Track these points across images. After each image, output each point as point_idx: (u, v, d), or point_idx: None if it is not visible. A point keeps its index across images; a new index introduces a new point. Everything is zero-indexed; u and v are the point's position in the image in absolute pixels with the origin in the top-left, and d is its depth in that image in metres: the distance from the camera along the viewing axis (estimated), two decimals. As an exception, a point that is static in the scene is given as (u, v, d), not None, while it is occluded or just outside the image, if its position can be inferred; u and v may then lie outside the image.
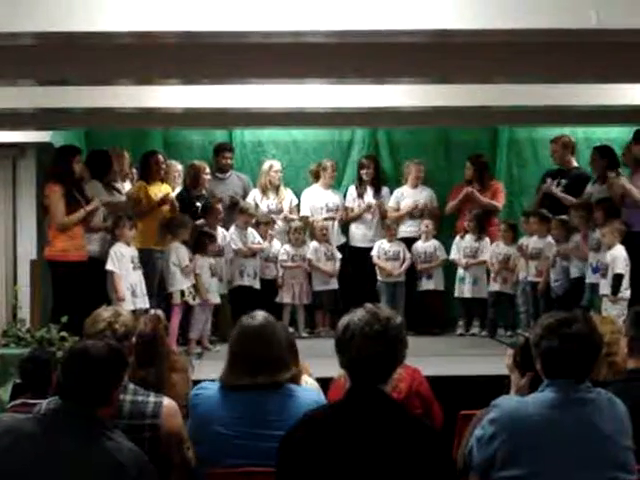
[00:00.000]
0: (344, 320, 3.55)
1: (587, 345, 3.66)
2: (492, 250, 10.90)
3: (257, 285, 10.67)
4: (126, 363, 3.80)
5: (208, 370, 5.74)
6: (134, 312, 7.99)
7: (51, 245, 8.95)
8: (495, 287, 10.85)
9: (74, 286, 8.63)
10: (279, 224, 11.15)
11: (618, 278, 8.86)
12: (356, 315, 3.52)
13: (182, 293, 9.57)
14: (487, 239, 11.02)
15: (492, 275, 10.89)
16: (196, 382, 5.04)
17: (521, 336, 4.27)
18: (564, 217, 10.04)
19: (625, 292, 8.86)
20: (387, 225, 11.16)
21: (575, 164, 10.78)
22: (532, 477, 3.50)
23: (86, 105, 8.69)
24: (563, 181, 10.44)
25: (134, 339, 4.49)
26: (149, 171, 9.93)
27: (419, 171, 11.42)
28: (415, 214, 11.31)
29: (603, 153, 10.01)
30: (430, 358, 7.66)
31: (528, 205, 11.29)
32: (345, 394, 3.54)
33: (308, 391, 4.33)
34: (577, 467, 3.51)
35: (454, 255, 11.14)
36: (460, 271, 11.08)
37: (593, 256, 9.38)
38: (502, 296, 10.85)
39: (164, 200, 9.70)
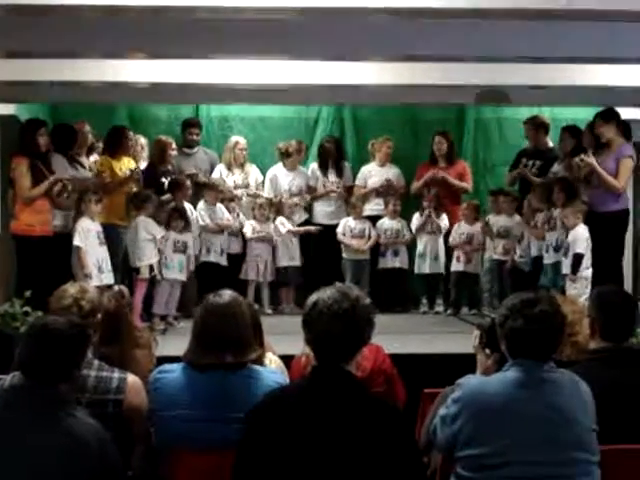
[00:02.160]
0: (313, 297, 3.55)
1: (551, 325, 3.69)
2: (455, 230, 10.92)
3: (224, 262, 10.65)
4: (88, 339, 3.77)
5: (172, 346, 5.70)
6: (99, 288, 7.97)
7: (17, 219, 8.88)
8: (459, 267, 10.88)
9: (38, 261, 8.57)
10: (244, 200, 11.12)
11: (578, 258, 8.92)
12: (326, 293, 3.52)
13: (151, 268, 9.52)
14: (444, 216, 11.03)
15: (455, 254, 10.91)
16: (160, 358, 5.05)
17: (487, 317, 4.29)
18: (530, 196, 10.08)
19: (586, 271, 8.92)
20: (353, 203, 11.15)
21: (550, 144, 10.81)
22: (495, 456, 3.53)
23: (51, 78, 8.62)
24: (537, 162, 10.47)
25: (99, 316, 4.47)
26: (115, 146, 9.85)
27: (389, 148, 11.41)
28: (382, 192, 11.29)
29: (573, 133, 10.04)
30: (394, 336, 7.67)
31: (497, 184, 11.30)
32: (309, 373, 3.55)
33: (273, 373, 4.31)
34: (540, 447, 3.54)
35: (414, 229, 11.13)
36: (420, 247, 11.08)
37: (552, 235, 9.42)
38: (466, 275, 10.89)
39: (132, 175, 9.63)
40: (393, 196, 11.24)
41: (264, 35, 7.16)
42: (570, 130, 10.15)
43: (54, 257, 8.70)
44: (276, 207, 11.08)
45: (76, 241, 8.90)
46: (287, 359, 5.26)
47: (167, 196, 10.16)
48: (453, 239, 10.93)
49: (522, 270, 10.12)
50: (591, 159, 8.97)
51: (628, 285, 10.03)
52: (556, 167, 10.01)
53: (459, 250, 10.89)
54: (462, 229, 10.91)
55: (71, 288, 4.47)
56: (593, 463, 3.62)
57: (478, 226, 10.83)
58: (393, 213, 11.17)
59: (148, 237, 9.52)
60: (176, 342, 5.25)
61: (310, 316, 3.50)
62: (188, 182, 10.41)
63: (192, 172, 10.76)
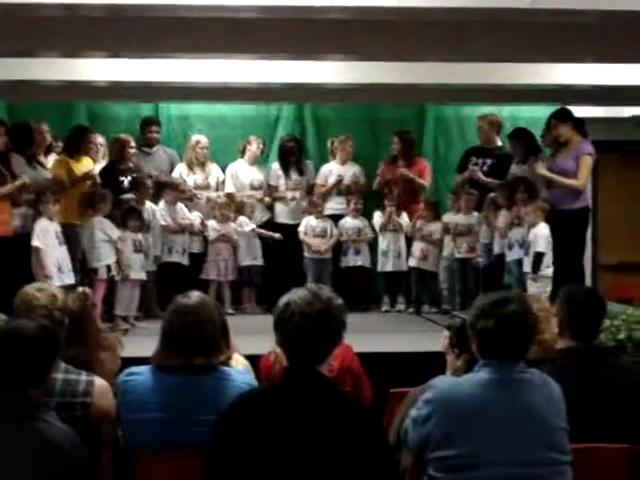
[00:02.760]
0: (284, 298, 3.52)
1: (522, 326, 3.69)
2: (413, 227, 10.92)
3: (185, 261, 10.61)
4: (59, 343, 3.73)
5: (135, 347, 5.68)
6: (62, 288, 7.90)
7: (-24, 220, 8.78)
8: (414, 263, 10.89)
9: (-2, 261, 8.49)
10: (204, 199, 11.07)
11: (539, 256, 8.96)
12: (297, 294, 3.50)
13: (109, 268, 9.45)
14: (404, 214, 11.04)
15: (412, 250, 10.92)
16: (122, 359, 5.00)
17: (456, 317, 4.31)
18: (494, 195, 10.12)
19: (547, 270, 8.96)
20: (314, 201, 11.14)
21: (499, 143, 10.87)
22: (467, 457, 3.52)
23: (9, 77, 8.54)
24: (488, 161, 10.53)
25: (66, 320, 4.42)
26: (76, 146, 9.75)
27: (350, 146, 11.41)
28: (342, 191, 11.29)
29: (519, 137, 10.12)
30: (357, 335, 7.64)
31: (453, 183, 11.35)
32: (281, 375, 3.53)
33: (242, 374, 4.28)
34: (512, 448, 3.53)
35: (377, 228, 11.11)
36: (383, 246, 11.08)
37: (517, 232, 9.46)
38: (422, 272, 10.90)
39: (86, 176, 9.57)
40: (354, 195, 11.24)
41: (225, 33, 7.13)
42: (514, 136, 10.23)
43: (14, 258, 8.61)
44: (236, 206, 11.04)
45: (35, 242, 8.80)
46: (251, 359, 5.21)
47: (128, 195, 10.10)
48: (411, 234, 10.92)
49: (484, 267, 10.15)
50: (541, 171, 9.07)
51: (588, 283, 10.11)
52: (514, 168, 10.07)
53: (417, 244, 10.88)
54: (420, 226, 10.90)
55: (39, 294, 4.42)
56: (565, 463, 3.62)
57: (437, 224, 10.83)
58: (355, 212, 11.16)
59: (104, 238, 9.44)
60: (139, 343, 5.23)
61: (282, 318, 3.47)
62: (149, 181, 10.36)
63: (152, 173, 10.69)
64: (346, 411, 3.39)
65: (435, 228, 10.82)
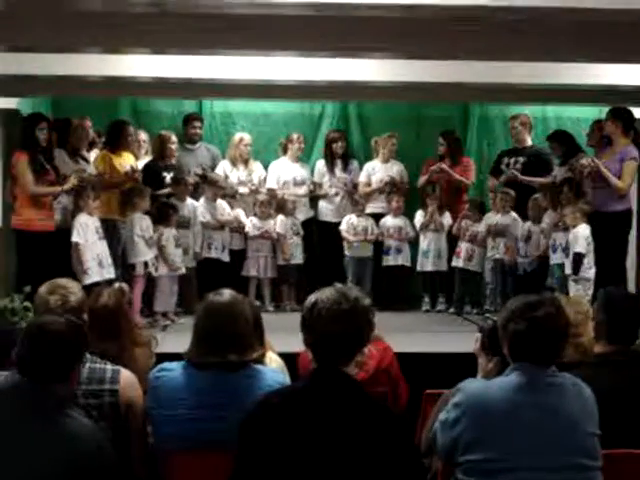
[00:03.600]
0: (312, 298, 3.50)
1: (554, 329, 3.65)
2: (458, 226, 10.85)
3: (225, 258, 10.61)
4: (86, 339, 3.74)
5: (172, 343, 5.68)
6: (98, 284, 7.95)
7: (18, 214, 8.85)
8: (459, 263, 10.81)
9: (39, 256, 8.53)
10: (246, 196, 11.08)
11: (578, 257, 8.88)
12: (324, 293, 3.48)
13: (145, 264, 9.48)
14: (447, 213, 10.99)
15: (457, 249, 10.86)
16: (160, 355, 5.02)
17: (489, 319, 4.26)
18: (538, 196, 10.04)
19: (588, 272, 8.88)
20: (356, 200, 11.10)
21: (529, 142, 10.80)
22: (496, 462, 3.48)
23: (54, 73, 8.58)
24: (520, 159, 10.47)
25: (85, 316, 4.43)
26: (116, 141, 9.77)
27: (393, 145, 11.37)
28: (385, 190, 11.25)
29: (559, 139, 10.04)
30: (396, 334, 7.62)
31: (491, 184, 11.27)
32: (307, 376, 3.50)
33: (274, 372, 4.28)
34: (541, 453, 3.49)
35: (418, 227, 11.07)
36: (423, 245, 11.03)
37: (558, 236, 9.38)
38: (467, 273, 10.83)
39: (131, 174, 9.58)
40: (396, 193, 11.20)
41: (269, 30, 7.10)
42: (554, 138, 10.14)
43: (54, 252, 8.68)
44: (278, 204, 11.04)
45: (74, 237, 8.88)
46: (289, 357, 5.23)
47: (165, 190, 10.12)
48: (456, 230, 10.86)
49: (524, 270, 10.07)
50: (596, 162, 8.96)
51: (631, 286, 9.99)
52: (556, 170, 9.99)
53: (463, 244, 10.81)
54: (466, 226, 10.83)
55: (48, 296, 4.44)
56: (595, 468, 3.58)
57: (482, 224, 10.76)
58: (396, 210, 11.11)
59: (140, 234, 9.48)
60: (177, 339, 5.23)
61: (309, 317, 3.46)
62: (190, 179, 10.37)
63: (199, 172, 10.72)
64: (371, 413, 3.36)
65: (481, 228, 10.74)
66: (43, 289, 4.51)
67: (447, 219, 10.95)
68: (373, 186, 11.26)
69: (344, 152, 11.39)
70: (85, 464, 3.39)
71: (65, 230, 8.96)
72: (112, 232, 9.36)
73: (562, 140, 9.99)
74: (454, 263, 10.86)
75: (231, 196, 10.87)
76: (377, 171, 11.32)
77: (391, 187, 11.24)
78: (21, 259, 8.84)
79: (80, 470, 3.37)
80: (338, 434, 3.27)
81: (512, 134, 10.90)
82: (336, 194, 11.29)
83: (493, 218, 10.57)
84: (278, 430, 3.31)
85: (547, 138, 10.36)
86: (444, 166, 10.98)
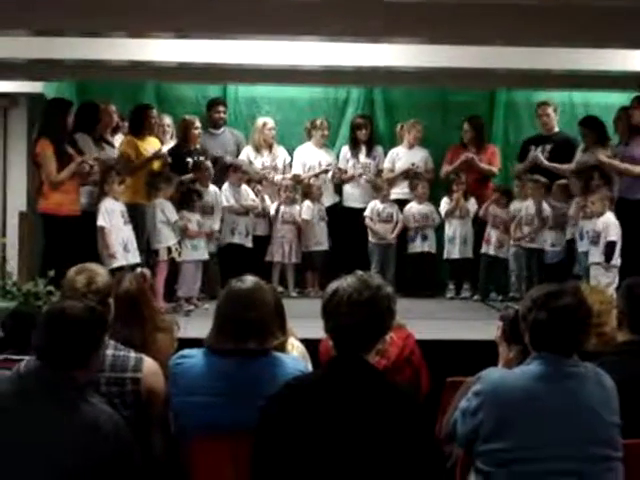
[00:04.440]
0: (333, 285, 3.50)
1: (575, 319, 3.62)
2: (485, 211, 10.78)
3: (249, 244, 10.58)
4: (106, 325, 3.74)
5: (196, 329, 5.66)
6: (122, 268, 7.96)
7: (45, 198, 8.83)
8: (490, 250, 10.75)
9: (65, 240, 8.54)
10: (271, 181, 11.07)
11: (611, 245, 8.81)
12: (346, 281, 3.47)
13: (169, 250, 9.48)
14: (472, 199, 10.94)
15: (485, 236, 10.81)
16: (183, 340, 5.02)
17: (510, 308, 4.25)
18: (564, 181, 9.96)
19: (616, 260, 8.81)
20: (380, 186, 11.07)
21: (556, 129, 10.73)
22: (516, 451, 3.47)
23: (79, 57, 8.60)
24: (547, 147, 10.41)
25: (111, 300, 4.42)
26: (140, 125, 9.73)
27: (418, 131, 11.32)
28: (409, 175, 11.21)
29: (591, 125, 9.93)
30: (420, 321, 7.60)
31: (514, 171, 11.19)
32: (327, 363, 3.49)
33: (295, 360, 4.26)
34: (562, 442, 3.47)
35: (443, 214, 11.03)
36: (449, 232, 10.99)
37: (585, 224, 9.30)
38: (497, 260, 10.78)
39: (157, 155, 9.58)
40: (420, 180, 11.16)
41: (294, 15, 7.09)
42: (585, 124, 10.03)
43: (81, 236, 8.70)
44: (304, 190, 11.02)
45: (100, 221, 8.88)
46: (312, 343, 5.23)
47: (188, 176, 10.11)
48: (483, 214, 10.80)
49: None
50: (601, 156, 8.92)
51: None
52: (580, 155, 9.90)
53: (492, 230, 10.75)
54: (494, 212, 10.77)
55: (78, 277, 4.42)
56: (616, 459, 3.55)
57: (508, 211, 10.71)
58: (421, 197, 11.08)
59: (163, 219, 9.47)
60: (200, 324, 5.22)
61: (329, 305, 3.45)
62: (208, 163, 10.36)
63: (217, 155, 10.70)
64: (391, 399, 3.35)
65: (506, 215, 10.68)
66: (71, 271, 4.51)
67: (472, 205, 10.89)
68: (396, 172, 11.21)
69: (368, 138, 11.35)
70: (104, 450, 3.39)
71: (91, 214, 8.97)
72: (138, 216, 9.34)
73: (593, 126, 9.88)
74: (483, 249, 10.78)
75: (257, 181, 10.85)
76: (401, 157, 11.28)
77: (413, 175, 11.20)
78: (48, 243, 8.85)
79: (99, 456, 3.37)
80: (358, 421, 3.26)
81: (542, 121, 10.78)
82: (360, 175, 11.24)
83: (520, 205, 10.49)
84: (298, 417, 3.31)
85: (579, 123, 10.24)
86: (471, 155, 10.92)
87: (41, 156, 8.78)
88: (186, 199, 9.76)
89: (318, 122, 11.27)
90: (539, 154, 10.36)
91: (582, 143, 10.03)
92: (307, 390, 3.40)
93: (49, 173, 8.71)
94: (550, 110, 10.70)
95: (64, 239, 8.57)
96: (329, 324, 3.47)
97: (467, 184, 10.94)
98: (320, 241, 10.99)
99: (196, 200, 9.80)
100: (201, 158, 10.33)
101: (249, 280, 4.26)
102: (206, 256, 9.86)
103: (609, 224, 8.86)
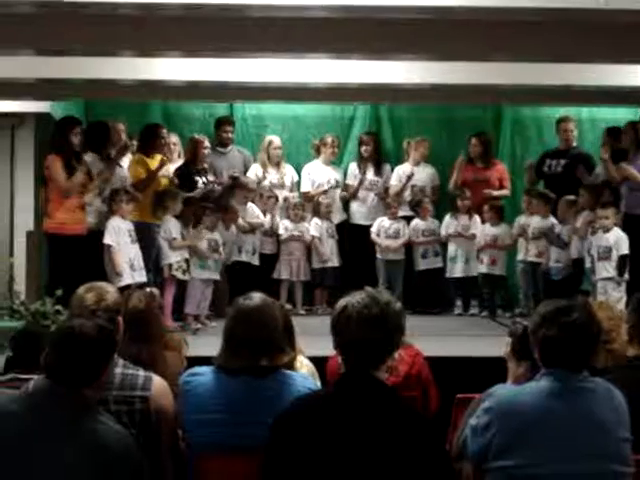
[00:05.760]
0: (342, 302, 3.48)
1: (585, 334, 3.60)
2: (480, 232, 10.82)
3: (256, 261, 10.59)
4: (115, 343, 3.73)
5: (204, 347, 5.67)
6: (129, 287, 7.95)
7: (50, 217, 8.89)
8: (483, 269, 10.78)
9: (71, 259, 8.58)
10: (280, 199, 11.07)
11: (624, 259, 8.80)
12: (355, 297, 3.45)
13: (170, 267, 9.47)
14: (476, 217, 10.94)
15: (480, 257, 10.82)
16: (192, 358, 5.01)
17: (519, 324, 4.23)
18: (572, 197, 9.94)
19: (627, 274, 8.81)
20: (388, 203, 11.08)
21: (574, 144, 10.72)
22: (527, 468, 3.44)
23: (86, 76, 8.63)
24: (562, 161, 10.43)
25: (120, 318, 4.41)
26: (149, 144, 9.75)
27: (425, 148, 11.34)
28: (416, 193, 11.20)
29: (617, 136, 9.90)
30: (428, 338, 7.59)
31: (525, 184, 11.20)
32: (337, 380, 3.48)
33: (304, 378, 4.25)
34: (573, 459, 3.45)
35: (443, 233, 11.06)
36: (451, 250, 11.00)
37: (596, 238, 9.26)
38: (492, 277, 10.78)
39: (162, 164, 9.56)
40: (426, 196, 11.17)
41: (300, 33, 7.10)
42: (614, 133, 10.00)
43: (86, 255, 8.71)
44: (313, 207, 11.03)
45: (107, 240, 8.89)
46: (320, 360, 5.22)
47: (197, 191, 10.11)
48: (478, 242, 10.81)
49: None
50: (629, 170, 8.89)
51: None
52: (599, 169, 9.90)
53: (483, 252, 10.78)
54: (487, 231, 10.80)
55: (88, 295, 4.42)
56: (627, 474, 3.53)
57: (502, 227, 10.76)
58: (424, 213, 11.08)
59: (165, 236, 9.48)
60: (208, 342, 5.23)
61: (339, 321, 3.44)
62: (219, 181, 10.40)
63: (234, 174, 10.72)
64: (402, 417, 3.33)
65: (499, 232, 10.71)
66: (81, 289, 4.51)
67: (477, 222, 10.88)
68: (400, 185, 11.19)
69: (374, 155, 11.35)
70: (113, 469, 3.37)
71: (98, 233, 8.98)
72: (146, 235, 9.33)
73: (618, 136, 9.83)
74: (479, 270, 10.83)
75: (268, 197, 10.85)
76: (407, 173, 11.26)
77: (419, 188, 11.21)
78: (53, 262, 8.88)
79: (108, 475, 3.36)
80: (367, 438, 3.24)
81: (563, 137, 10.77)
82: (368, 191, 11.25)
83: (528, 220, 10.48)
84: (307, 435, 3.29)
85: (607, 130, 10.18)
86: (490, 192, 10.98)
87: (50, 169, 8.84)
88: (197, 217, 9.75)
89: (329, 139, 11.28)
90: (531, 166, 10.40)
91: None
92: (316, 407, 3.39)
93: (58, 181, 8.74)
94: (571, 126, 10.71)
95: (69, 258, 8.61)
96: (338, 340, 3.45)
97: (472, 202, 10.93)
98: (330, 258, 10.98)
99: (212, 216, 9.79)
100: (235, 172, 10.42)
101: (256, 297, 4.24)
102: (216, 275, 9.84)
103: (620, 238, 8.87)
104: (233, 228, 10.28)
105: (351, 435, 3.25)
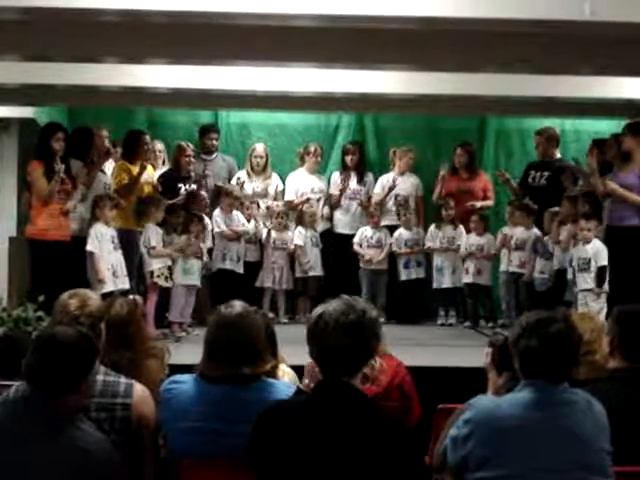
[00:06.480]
0: (318, 310, 3.52)
1: (566, 346, 3.61)
2: (464, 242, 10.85)
3: (240, 269, 10.58)
4: (96, 350, 3.72)
5: (186, 354, 5.66)
6: (112, 294, 7.94)
7: (32, 223, 8.89)
8: (469, 279, 10.80)
9: (53, 265, 8.57)
10: (263, 207, 11.08)
11: (602, 270, 8.81)
12: (331, 305, 3.48)
13: (151, 274, 9.44)
14: (461, 227, 10.96)
15: (465, 266, 10.84)
16: (174, 366, 5.00)
17: (500, 334, 4.24)
18: (556, 209, 9.95)
19: (606, 286, 8.82)
20: (371, 212, 11.09)
21: (558, 156, 10.74)
22: (507, 479, 3.44)
23: (70, 82, 8.61)
24: (545, 173, 10.44)
25: (102, 326, 4.39)
26: (133, 151, 9.76)
27: (410, 158, 11.35)
28: (400, 202, 11.21)
29: (603, 148, 9.90)
30: (410, 348, 7.61)
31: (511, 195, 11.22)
32: (314, 388, 3.49)
33: (286, 386, 4.24)
34: (553, 470, 3.45)
35: (429, 244, 11.06)
36: (437, 261, 11.01)
37: (577, 250, 9.28)
38: (477, 287, 10.80)
39: (142, 168, 9.56)
40: (409, 206, 11.18)
41: (285, 42, 7.11)
42: (599, 144, 10.00)
43: (69, 261, 8.70)
44: (297, 216, 11.03)
45: (89, 246, 8.86)
46: (302, 369, 5.22)
47: (180, 198, 10.10)
48: (462, 251, 10.84)
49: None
50: (612, 185, 8.89)
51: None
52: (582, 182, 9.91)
53: (469, 262, 10.80)
54: (472, 241, 10.82)
55: (71, 300, 4.40)
56: (607, 486, 3.54)
57: (487, 237, 10.79)
58: (406, 223, 11.08)
59: (145, 244, 9.47)
60: (190, 350, 5.22)
61: (315, 329, 3.45)
62: (204, 193, 10.36)
63: (220, 185, 10.73)
64: (377, 425, 3.35)
65: (484, 241, 10.74)
66: (65, 295, 4.49)
67: (462, 232, 10.89)
68: (383, 194, 11.21)
69: (358, 164, 11.37)
70: (94, 476, 3.37)
71: (81, 239, 8.96)
72: (128, 242, 9.31)
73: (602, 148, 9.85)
74: (464, 280, 10.83)
75: (250, 203, 10.84)
76: (390, 183, 11.27)
77: (405, 200, 11.22)
78: (35, 268, 8.85)
79: (89, 482, 3.36)
80: (341, 445, 3.25)
81: (538, 149, 10.80)
82: (352, 200, 11.27)
83: (511, 231, 10.51)
84: (282, 442, 3.31)
85: (594, 142, 10.19)
86: (474, 202, 10.97)
87: (32, 175, 8.86)
88: (183, 224, 9.73)
89: (312, 148, 11.30)
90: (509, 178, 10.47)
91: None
92: (291, 415, 3.41)
93: (39, 190, 8.76)
94: (544, 138, 10.70)
95: (51, 264, 8.59)
96: (315, 348, 3.47)
97: (456, 212, 10.95)
98: (314, 267, 10.97)
99: (198, 224, 9.77)
100: (193, 186, 10.35)
101: (238, 306, 4.23)
102: (197, 281, 9.80)
103: (598, 249, 8.86)
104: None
105: (325, 443, 3.26)
